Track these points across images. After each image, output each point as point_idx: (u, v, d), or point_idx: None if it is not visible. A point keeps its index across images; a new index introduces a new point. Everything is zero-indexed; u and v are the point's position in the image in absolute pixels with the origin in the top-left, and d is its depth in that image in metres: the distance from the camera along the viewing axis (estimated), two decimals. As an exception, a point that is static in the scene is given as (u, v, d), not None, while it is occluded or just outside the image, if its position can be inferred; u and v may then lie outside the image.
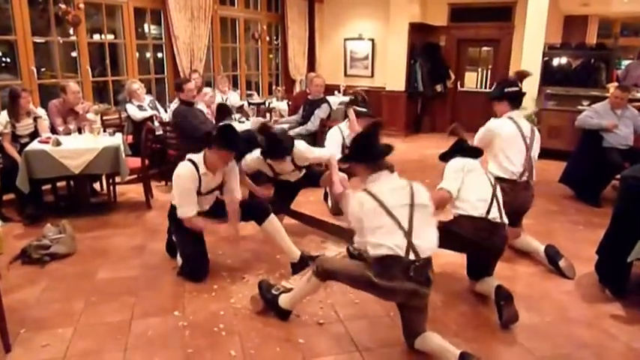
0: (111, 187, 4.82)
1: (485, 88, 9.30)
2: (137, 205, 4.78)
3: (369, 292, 2.43)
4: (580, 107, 6.51)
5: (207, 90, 5.56)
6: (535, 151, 3.62)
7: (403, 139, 8.68)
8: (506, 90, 3.71)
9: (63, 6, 5.35)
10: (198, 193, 3.16)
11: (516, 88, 3.73)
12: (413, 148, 7.86)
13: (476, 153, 3.10)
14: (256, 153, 3.75)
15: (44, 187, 4.59)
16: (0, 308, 2.40)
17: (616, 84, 6.76)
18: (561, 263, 3.35)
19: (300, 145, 3.74)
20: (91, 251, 3.73)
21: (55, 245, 3.58)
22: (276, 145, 3.58)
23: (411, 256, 2.25)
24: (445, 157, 3.16)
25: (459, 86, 9.37)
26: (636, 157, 4.61)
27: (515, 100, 3.69)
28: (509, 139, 3.55)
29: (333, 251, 3.66)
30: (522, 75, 3.93)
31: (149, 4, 6.57)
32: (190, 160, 3.14)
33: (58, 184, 4.79)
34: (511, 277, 3.32)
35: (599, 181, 4.92)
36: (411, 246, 2.26)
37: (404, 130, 8.94)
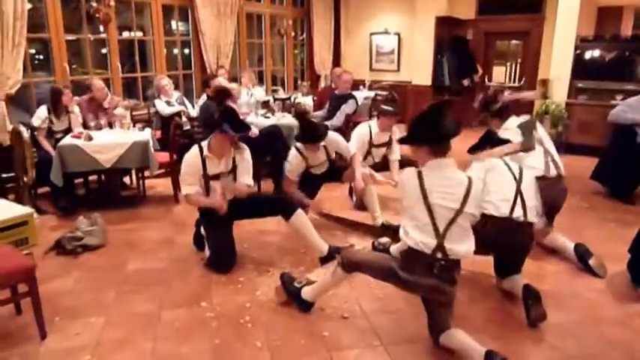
0: (140, 182, 4.93)
1: (515, 82, 9.11)
2: (165, 199, 4.88)
3: (392, 283, 2.45)
4: (613, 102, 6.31)
5: (232, 85, 5.61)
6: (549, 144, 3.59)
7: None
8: (490, 109, 3.72)
9: (94, 4, 5.49)
10: (207, 175, 3.23)
11: (498, 105, 3.71)
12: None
13: (505, 144, 3.02)
14: (293, 152, 3.86)
15: (76, 181, 4.73)
16: (37, 297, 2.50)
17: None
18: (591, 262, 3.27)
19: (333, 134, 3.88)
20: (122, 243, 3.83)
21: (88, 237, 3.70)
22: (313, 130, 3.72)
23: (438, 255, 2.24)
24: (474, 150, 3.11)
25: (486, 80, 9.20)
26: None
27: (501, 116, 3.67)
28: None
29: (358, 245, 3.67)
30: (497, 93, 3.93)
31: (177, 1, 6.66)
32: (199, 144, 3.25)
33: (90, 177, 4.93)
34: (539, 274, 3.26)
35: (632, 177, 4.78)
36: (440, 247, 2.24)
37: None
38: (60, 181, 4.19)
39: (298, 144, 3.87)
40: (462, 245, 2.27)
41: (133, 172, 5.20)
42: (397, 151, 4.52)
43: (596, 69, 7.00)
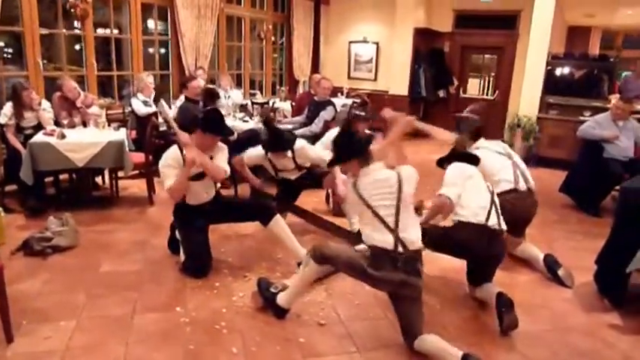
0: (113, 182, 4.82)
1: (488, 95, 9.34)
2: (139, 201, 4.79)
3: (362, 280, 2.55)
4: (581, 117, 6.54)
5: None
6: (517, 157, 3.70)
7: (405, 143, 8.69)
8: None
9: (71, -1, 5.37)
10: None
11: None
12: (414, 153, 7.84)
13: (474, 160, 3.12)
14: (259, 147, 3.83)
15: (46, 180, 4.60)
16: (4, 299, 2.42)
17: (618, 95, 6.81)
18: (560, 272, 3.37)
19: (303, 143, 3.83)
20: (93, 245, 3.73)
21: (58, 238, 3.59)
22: (278, 138, 3.70)
23: (400, 249, 2.37)
24: (442, 163, 3.21)
25: (461, 92, 9.40)
26: (636, 168, 4.65)
27: (478, 135, 3.71)
28: (487, 161, 3.50)
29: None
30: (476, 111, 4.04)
31: (156, 0, 6.58)
32: (178, 145, 3.20)
33: (61, 176, 4.79)
34: (510, 284, 3.33)
35: (599, 191, 4.96)
36: (398, 240, 2.38)
37: (406, 134, 8.94)
38: (30, 179, 4.06)
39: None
40: (414, 233, 2.45)
41: (106, 172, 5.07)
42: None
43: (566, 85, 7.28)
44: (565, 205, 5.22)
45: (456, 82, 9.20)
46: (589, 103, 6.84)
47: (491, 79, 9.38)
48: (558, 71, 7.33)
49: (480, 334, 2.74)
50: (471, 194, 2.90)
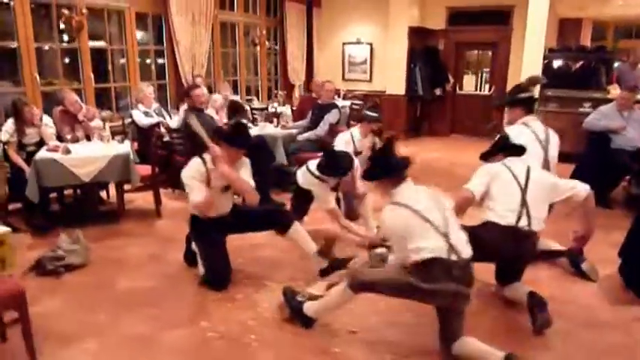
0: (120, 196, 4.72)
1: (483, 91, 9.36)
2: (147, 214, 4.70)
3: (410, 297, 2.42)
4: (581, 109, 6.57)
5: (216, 97, 5.50)
6: (552, 153, 3.64)
7: (404, 142, 8.68)
8: (519, 96, 3.72)
9: (66, 11, 5.26)
10: (210, 188, 3.10)
11: (529, 94, 3.75)
12: (414, 152, 7.85)
13: (520, 151, 2.99)
14: (315, 182, 3.71)
15: (50, 196, 4.49)
16: (28, 323, 2.33)
17: (616, 85, 6.86)
18: (584, 266, 3.35)
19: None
20: (106, 261, 3.64)
21: (70, 256, 3.50)
22: (342, 161, 3.60)
23: (453, 257, 2.28)
24: (487, 157, 3.11)
25: (457, 89, 9.41)
26: (645, 158, 4.68)
27: (529, 106, 3.69)
28: (526, 144, 3.53)
29: (354, 255, 3.61)
30: (534, 81, 3.96)
31: (150, 9, 6.49)
32: (201, 156, 3.13)
33: (65, 192, 4.69)
34: (534, 280, 3.28)
35: (608, 183, 4.96)
36: (451, 247, 2.29)
37: (404, 133, 8.95)
38: (36, 197, 3.96)
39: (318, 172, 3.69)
40: (463, 241, 2.38)
41: (111, 186, 4.98)
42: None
43: (564, 78, 7.29)
44: (574, 197, 5.20)
45: (451, 80, 9.20)
46: (588, 95, 6.87)
47: (484, 74, 9.40)
48: (555, 64, 7.36)
49: (513, 334, 2.71)
50: (498, 197, 2.82)
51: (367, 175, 2.67)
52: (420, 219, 2.34)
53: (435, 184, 3.14)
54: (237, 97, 7.33)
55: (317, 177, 3.68)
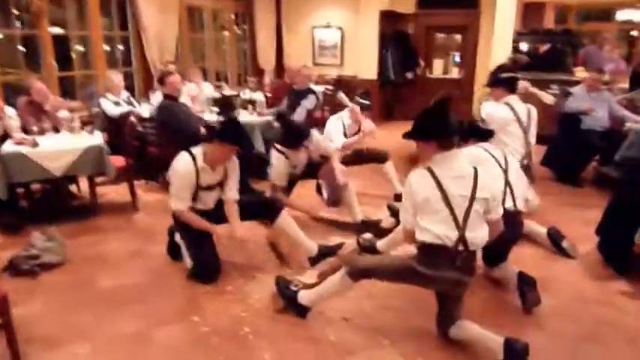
0: (92, 189, 4.53)
1: (452, 74, 9.46)
2: (123, 207, 4.53)
3: (409, 282, 2.41)
4: (550, 91, 6.70)
5: (191, 85, 5.32)
6: (532, 134, 3.72)
7: (377, 126, 8.69)
8: (501, 76, 3.77)
9: (25, -4, 4.97)
10: (198, 186, 3.03)
11: (511, 74, 3.80)
12: (388, 136, 7.87)
13: (488, 134, 3.03)
14: (277, 157, 3.71)
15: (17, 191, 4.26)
16: (11, 328, 2.22)
17: (582, 68, 7.05)
18: (564, 244, 3.46)
19: (314, 132, 3.73)
20: (84, 259, 3.50)
21: (45, 254, 3.34)
22: (298, 132, 3.58)
23: (460, 247, 2.24)
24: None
25: (427, 73, 9.47)
26: (613, 138, 4.83)
27: (511, 86, 3.75)
28: (505, 123, 3.61)
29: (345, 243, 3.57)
30: (517, 61, 4.02)
31: (114, -7, 6.21)
32: (190, 152, 3.01)
33: (32, 187, 4.46)
34: (517, 260, 3.34)
35: (579, 162, 5.12)
36: (462, 239, 2.23)
37: (377, 118, 8.95)
38: (4, 194, 3.75)
39: (279, 145, 3.72)
40: (480, 233, 2.28)
41: (81, 180, 4.77)
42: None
43: (532, 61, 7.41)
44: (547, 177, 5.35)
45: (422, 63, 9.25)
46: (556, 77, 7.01)
47: (454, 58, 9.48)
48: (524, 47, 7.48)
49: (505, 314, 2.77)
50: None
51: (414, 133, 2.34)
52: (443, 201, 2.20)
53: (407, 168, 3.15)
54: (209, 84, 7.14)
55: (278, 150, 3.76)
